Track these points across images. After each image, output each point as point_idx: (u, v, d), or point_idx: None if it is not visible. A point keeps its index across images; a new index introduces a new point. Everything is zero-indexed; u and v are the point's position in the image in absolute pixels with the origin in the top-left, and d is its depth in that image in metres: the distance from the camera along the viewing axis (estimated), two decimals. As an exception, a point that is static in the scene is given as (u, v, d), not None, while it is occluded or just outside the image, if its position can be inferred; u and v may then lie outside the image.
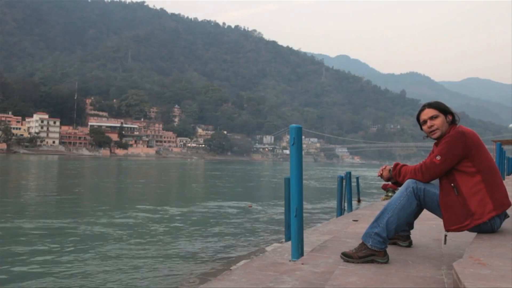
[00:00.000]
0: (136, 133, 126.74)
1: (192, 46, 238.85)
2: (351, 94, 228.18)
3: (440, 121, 2.55)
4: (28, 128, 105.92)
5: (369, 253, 2.48)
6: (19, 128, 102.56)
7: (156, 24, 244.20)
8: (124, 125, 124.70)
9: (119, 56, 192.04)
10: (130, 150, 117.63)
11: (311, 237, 3.95)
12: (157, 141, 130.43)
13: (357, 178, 13.45)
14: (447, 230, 2.49)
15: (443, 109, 2.58)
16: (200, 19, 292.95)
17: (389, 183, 2.84)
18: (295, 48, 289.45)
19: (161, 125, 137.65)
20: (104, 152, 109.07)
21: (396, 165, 2.70)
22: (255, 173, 41.28)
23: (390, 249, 2.62)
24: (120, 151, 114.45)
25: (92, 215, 9.90)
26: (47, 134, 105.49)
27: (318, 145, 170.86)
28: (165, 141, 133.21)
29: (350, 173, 9.21)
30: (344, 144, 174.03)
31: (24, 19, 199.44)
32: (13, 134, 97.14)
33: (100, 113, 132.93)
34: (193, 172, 42.76)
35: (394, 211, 2.49)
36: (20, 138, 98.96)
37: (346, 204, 8.38)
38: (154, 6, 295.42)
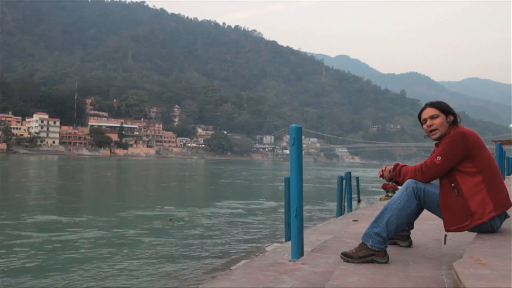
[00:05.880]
0: (136, 133, 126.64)
1: (192, 46, 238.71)
2: (351, 94, 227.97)
3: (439, 121, 2.55)
4: (28, 128, 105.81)
5: (369, 253, 2.48)
6: (19, 128, 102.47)
7: (156, 24, 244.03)
8: (124, 125, 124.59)
9: (119, 56, 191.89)
10: (130, 150, 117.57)
11: (311, 237, 3.95)
12: (157, 141, 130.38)
13: (357, 178, 13.44)
14: (447, 230, 2.49)
15: (444, 109, 2.57)
16: (200, 19, 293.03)
17: (390, 183, 2.84)
18: (295, 48, 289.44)
19: (161, 125, 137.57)
20: (104, 152, 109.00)
21: (396, 165, 2.69)
22: (252, 174, 41.28)
23: (390, 249, 2.61)
24: (120, 151, 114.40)
25: (90, 213, 9.90)
26: (47, 134, 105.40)
27: (318, 145, 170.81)
28: (165, 141, 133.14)
29: (350, 173, 9.20)
30: (344, 144, 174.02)
31: (24, 19, 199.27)
32: (13, 134, 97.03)
33: (100, 113, 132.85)
34: (187, 173, 42.74)
35: (394, 211, 2.48)
36: (20, 138, 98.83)
37: (346, 204, 8.38)
38: (154, 6, 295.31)
